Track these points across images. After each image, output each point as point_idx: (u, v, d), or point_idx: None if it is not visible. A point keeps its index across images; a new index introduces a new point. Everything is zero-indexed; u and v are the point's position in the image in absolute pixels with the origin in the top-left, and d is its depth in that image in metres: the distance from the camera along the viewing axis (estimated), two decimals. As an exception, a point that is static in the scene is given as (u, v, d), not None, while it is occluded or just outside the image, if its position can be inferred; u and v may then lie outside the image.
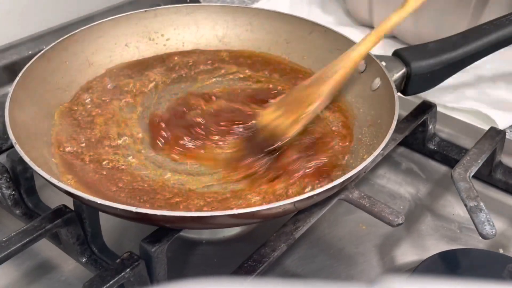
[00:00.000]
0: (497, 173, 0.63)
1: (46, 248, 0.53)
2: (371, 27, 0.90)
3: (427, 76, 0.59)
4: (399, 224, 0.48)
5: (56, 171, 0.51)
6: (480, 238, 0.49)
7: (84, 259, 0.50)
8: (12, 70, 0.71)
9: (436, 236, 0.58)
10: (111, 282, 0.43)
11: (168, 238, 0.46)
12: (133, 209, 0.41)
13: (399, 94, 0.57)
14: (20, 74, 0.55)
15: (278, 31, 0.68)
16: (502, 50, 0.61)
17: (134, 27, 0.67)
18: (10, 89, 0.52)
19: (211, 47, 0.69)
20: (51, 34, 0.76)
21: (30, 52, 0.74)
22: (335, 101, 0.60)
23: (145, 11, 0.67)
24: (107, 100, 0.60)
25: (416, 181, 0.64)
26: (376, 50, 0.61)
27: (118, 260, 0.45)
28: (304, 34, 0.67)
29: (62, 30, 0.75)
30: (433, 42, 0.61)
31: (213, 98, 0.60)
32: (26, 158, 0.45)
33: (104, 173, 0.51)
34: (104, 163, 0.52)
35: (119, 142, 0.55)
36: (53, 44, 0.60)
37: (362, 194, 0.50)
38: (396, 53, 0.60)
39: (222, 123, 0.57)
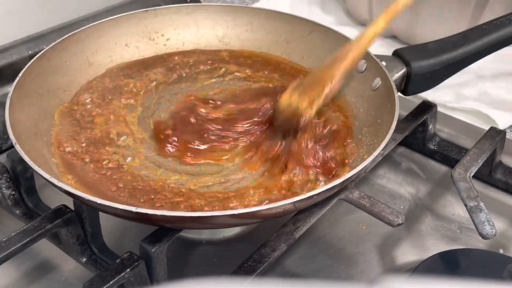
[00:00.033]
0: (497, 173, 0.63)
1: (46, 248, 0.53)
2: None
3: (427, 76, 0.59)
4: (399, 224, 0.48)
5: (56, 171, 0.51)
6: (480, 238, 0.49)
7: (84, 259, 0.50)
8: (12, 70, 0.71)
9: (436, 236, 0.58)
10: (111, 282, 0.43)
11: (168, 238, 0.46)
12: (133, 209, 0.41)
13: (399, 94, 0.57)
14: (20, 74, 0.55)
15: (278, 31, 0.68)
16: (502, 50, 0.61)
17: (134, 27, 0.67)
18: (10, 89, 0.52)
19: (211, 47, 0.69)
20: (51, 34, 0.76)
21: (30, 52, 0.74)
22: (335, 101, 0.60)
23: (145, 11, 0.67)
24: (107, 100, 0.60)
25: (416, 181, 0.64)
26: (376, 50, 0.61)
27: (118, 260, 0.45)
28: (304, 34, 0.67)
29: (62, 30, 0.75)
30: (433, 42, 0.61)
31: (218, 102, 0.59)
32: (26, 158, 0.45)
33: (104, 173, 0.51)
34: (104, 163, 0.52)
35: (119, 142, 0.55)
36: (53, 44, 0.60)
37: (362, 194, 0.50)
38: (396, 53, 0.60)
39: (235, 125, 0.56)
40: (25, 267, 0.53)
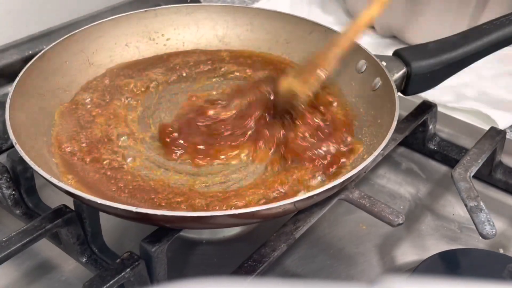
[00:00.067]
0: (497, 173, 0.63)
1: (46, 248, 0.53)
2: (371, 27, 0.90)
3: (427, 76, 0.59)
4: (399, 224, 0.48)
5: (56, 171, 0.51)
6: (480, 238, 0.49)
7: (84, 259, 0.50)
8: (12, 70, 0.71)
9: (436, 236, 0.58)
10: (111, 282, 0.43)
11: (168, 238, 0.46)
12: (134, 209, 0.41)
13: (399, 94, 0.57)
14: (20, 74, 0.55)
15: (278, 31, 0.68)
16: (502, 50, 0.61)
17: (134, 27, 0.67)
18: (10, 89, 0.52)
19: (211, 47, 0.69)
20: (51, 34, 0.76)
21: (30, 52, 0.74)
22: (335, 101, 0.60)
23: (145, 11, 0.67)
24: (108, 100, 0.60)
25: (416, 181, 0.64)
26: (377, 50, 0.61)
27: (118, 260, 0.45)
28: (304, 34, 0.67)
29: (62, 30, 0.75)
30: (433, 42, 0.61)
31: (223, 102, 0.59)
32: (26, 158, 0.45)
33: (104, 173, 0.51)
34: (104, 163, 0.52)
35: (120, 142, 0.55)
36: (53, 44, 0.60)
37: (362, 194, 0.50)
38: (396, 53, 0.60)
39: (245, 120, 0.57)
40: (25, 267, 0.53)
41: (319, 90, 0.59)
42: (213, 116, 0.57)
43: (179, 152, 0.54)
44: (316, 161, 0.52)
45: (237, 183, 0.52)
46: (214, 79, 0.65)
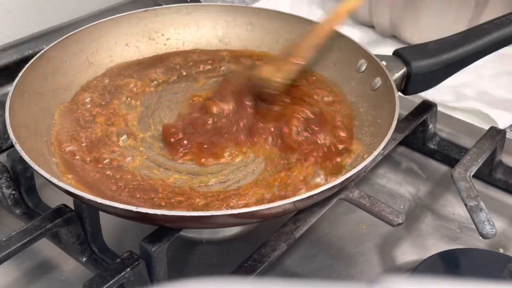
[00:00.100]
0: (497, 173, 0.63)
1: (46, 247, 0.53)
2: (371, 27, 0.90)
3: (427, 75, 0.59)
4: (399, 224, 0.48)
5: (57, 170, 0.51)
6: (480, 237, 0.49)
7: (84, 259, 0.50)
8: (12, 70, 0.71)
9: (436, 235, 0.58)
10: (111, 282, 0.43)
11: (168, 238, 0.46)
12: (134, 208, 0.41)
13: (399, 93, 0.57)
14: (20, 74, 0.55)
15: (278, 30, 0.68)
16: (502, 50, 0.61)
17: (134, 27, 0.67)
18: (10, 89, 0.52)
19: (211, 47, 0.69)
20: (51, 34, 0.76)
21: (30, 52, 0.74)
22: (335, 101, 0.61)
23: (146, 10, 0.67)
24: (108, 100, 0.60)
25: (416, 180, 0.64)
26: (377, 50, 0.61)
27: (118, 260, 0.45)
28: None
29: (62, 30, 0.75)
30: (433, 42, 0.61)
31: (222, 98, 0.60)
32: (26, 158, 0.45)
33: (105, 172, 0.51)
34: (104, 162, 0.52)
35: (120, 141, 0.55)
36: (53, 44, 0.60)
37: (362, 193, 0.50)
38: (396, 53, 0.60)
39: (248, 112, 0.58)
40: (25, 267, 0.53)
41: (309, 84, 0.62)
42: (215, 114, 0.57)
43: (184, 152, 0.54)
44: (313, 153, 0.52)
45: (237, 182, 0.52)
46: (214, 79, 0.65)
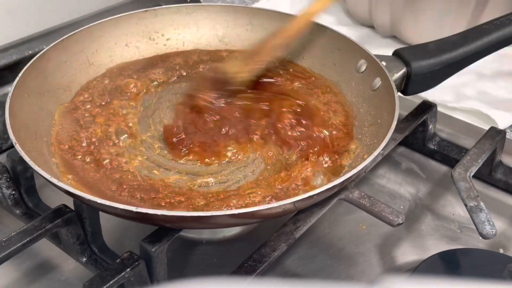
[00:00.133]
0: (497, 173, 0.63)
1: (46, 248, 0.53)
2: (371, 27, 0.90)
3: (427, 76, 0.59)
4: (399, 224, 0.48)
5: (56, 170, 0.51)
6: (480, 238, 0.49)
7: (84, 259, 0.50)
8: (12, 70, 0.71)
9: (436, 236, 0.58)
10: (111, 282, 0.43)
11: (168, 238, 0.46)
12: (134, 209, 0.41)
13: (399, 94, 0.57)
14: (20, 74, 0.55)
15: (278, 31, 0.68)
16: (502, 50, 0.61)
17: (134, 27, 0.67)
18: (10, 89, 0.52)
19: (211, 47, 0.69)
20: (51, 34, 0.76)
21: (30, 52, 0.74)
22: (335, 101, 0.61)
23: (146, 11, 0.67)
24: (108, 100, 0.60)
25: (416, 181, 0.64)
26: (377, 50, 0.61)
27: (118, 260, 0.45)
28: (304, 34, 0.67)
29: (62, 30, 0.75)
30: (433, 42, 0.61)
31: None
32: (26, 158, 0.45)
33: (105, 172, 0.51)
34: (104, 162, 0.52)
35: (120, 141, 0.55)
36: (53, 44, 0.60)
37: (362, 194, 0.50)
38: (396, 53, 0.60)
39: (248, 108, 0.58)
40: (25, 267, 0.53)
41: (308, 84, 0.62)
42: (205, 106, 0.58)
43: (186, 152, 0.54)
44: (310, 149, 0.53)
45: (237, 183, 0.52)
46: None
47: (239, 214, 0.42)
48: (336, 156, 0.54)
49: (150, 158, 0.54)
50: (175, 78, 0.64)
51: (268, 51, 0.62)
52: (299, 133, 0.55)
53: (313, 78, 0.64)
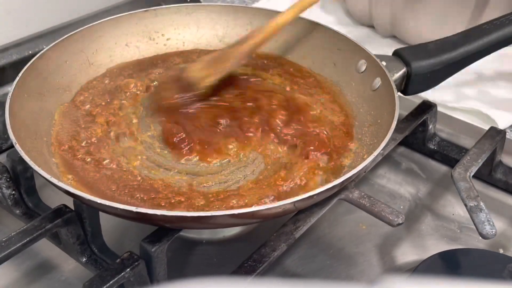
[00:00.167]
0: (497, 173, 0.63)
1: (46, 248, 0.53)
2: (371, 26, 0.90)
3: (427, 76, 0.59)
4: (399, 224, 0.48)
5: (56, 170, 0.51)
6: (480, 238, 0.49)
7: (84, 259, 0.50)
8: (12, 70, 0.71)
9: (436, 236, 0.58)
10: (111, 282, 0.43)
11: (168, 238, 0.46)
12: (134, 209, 0.41)
13: (399, 93, 0.57)
14: (20, 74, 0.55)
15: (278, 31, 0.68)
16: (502, 50, 0.61)
17: (134, 27, 0.67)
18: (10, 89, 0.52)
19: (212, 47, 0.69)
20: (51, 34, 0.76)
21: (30, 52, 0.74)
22: (335, 101, 0.61)
23: (146, 10, 0.67)
24: (108, 100, 0.60)
25: (416, 181, 0.64)
26: (377, 50, 0.61)
27: (118, 260, 0.45)
28: (305, 34, 0.67)
29: (62, 30, 0.75)
30: (433, 42, 0.61)
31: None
32: (26, 158, 0.45)
33: (105, 172, 0.51)
34: (104, 162, 0.52)
35: (120, 141, 0.55)
36: (53, 44, 0.60)
37: (362, 193, 0.50)
38: (396, 53, 0.60)
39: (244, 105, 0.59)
40: (25, 267, 0.53)
41: (307, 84, 0.62)
42: (211, 103, 0.59)
43: (189, 152, 0.54)
44: (309, 146, 0.53)
45: (237, 182, 0.52)
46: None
47: (239, 214, 0.42)
48: (336, 156, 0.54)
49: (150, 158, 0.54)
50: (175, 78, 0.64)
51: (234, 57, 0.61)
52: (294, 130, 0.56)
53: (313, 78, 0.64)
